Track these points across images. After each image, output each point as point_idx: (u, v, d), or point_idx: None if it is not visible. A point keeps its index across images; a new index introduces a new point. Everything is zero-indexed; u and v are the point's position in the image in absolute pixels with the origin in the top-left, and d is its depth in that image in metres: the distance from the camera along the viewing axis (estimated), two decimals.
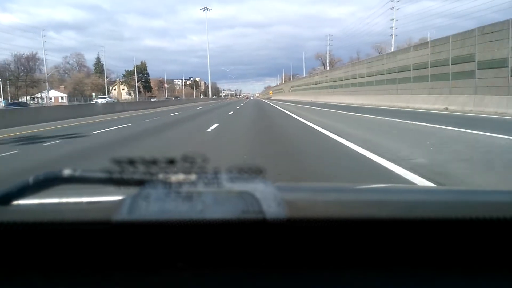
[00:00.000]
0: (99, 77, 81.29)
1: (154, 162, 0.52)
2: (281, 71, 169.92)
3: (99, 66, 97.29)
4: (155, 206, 0.49)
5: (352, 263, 0.54)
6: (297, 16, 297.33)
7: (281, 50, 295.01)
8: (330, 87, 41.96)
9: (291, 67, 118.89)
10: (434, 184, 3.47)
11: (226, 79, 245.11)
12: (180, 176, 0.51)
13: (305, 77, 68.14)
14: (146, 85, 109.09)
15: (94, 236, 0.53)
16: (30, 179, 0.54)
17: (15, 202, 0.56)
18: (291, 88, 77.67)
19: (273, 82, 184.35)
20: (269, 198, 0.51)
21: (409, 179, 3.71)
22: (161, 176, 0.51)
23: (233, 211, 0.49)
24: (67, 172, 0.53)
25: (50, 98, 75.47)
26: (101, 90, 79.88)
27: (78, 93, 75.18)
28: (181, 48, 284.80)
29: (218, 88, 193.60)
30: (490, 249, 0.55)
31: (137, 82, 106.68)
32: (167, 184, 0.51)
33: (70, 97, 71.54)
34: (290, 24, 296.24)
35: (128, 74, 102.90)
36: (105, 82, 74.87)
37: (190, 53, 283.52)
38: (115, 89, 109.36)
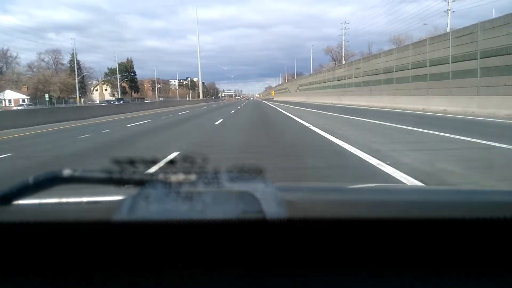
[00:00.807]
0: (69, 74, 68.49)
1: (154, 162, 0.52)
2: (281, 71, 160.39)
3: (74, 63, 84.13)
4: (155, 206, 0.49)
5: (352, 263, 0.54)
6: (298, 16, 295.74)
7: (281, 51, 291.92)
8: (366, 83, 28.20)
9: (295, 64, 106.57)
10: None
11: (226, 79, 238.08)
12: (180, 176, 0.51)
13: (319, 72, 51.77)
14: (133, 85, 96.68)
15: (94, 236, 0.53)
16: (30, 179, 0.54)
17: (15, 202, 0.56)
18: (299, 87, 63.29)
19: (274, 82, 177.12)
20: (269, 198, 0.51)
21: None
22: (161, 176, 0.51)
23: (233, 211, 0.49)
24: (67, 172, 0.53)
25: (10, 101, 62.08)
26: (72, 91, 66.88)
27: (43, 94, 62.19)
28: (181, 48, 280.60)
29: (217, 89, 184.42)
30: (489, 249, 0.55)
31: (122, 81, 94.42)
32: (167, 184, 0.51)
33: (32, 99, 59.01)
34: (291, 24, 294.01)
35: (111, 73, 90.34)
36: (76, 80, 62.04)
37: (191, 54, 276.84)
38: (97, 90, 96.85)
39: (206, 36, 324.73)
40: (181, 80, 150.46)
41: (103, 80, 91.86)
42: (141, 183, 0.51)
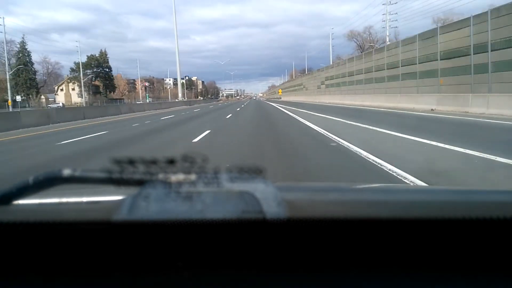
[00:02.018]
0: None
1: (154, 162, 0.51)
2: (284, 71, 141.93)
3: (24, 55, 64.38)
4: (155, 206, 0.49)
5: (352, 263, 0.54)
6: (300, 15, 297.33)
7: (284, 50, 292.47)
8: None
9: (306, 59, 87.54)
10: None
11: (229, 79, 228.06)
12: (180, 176, 0.51)
13: (377, 51, 28.28)
14: (108, 84, 77.41)
15: (94, 236, 0.53)
16: (30, 179, 0.54)
17: (15, 202, 0.56)
18: (325, 82, 41.86)
19: (277, 81, 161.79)
20: (269, 198, 0.50)
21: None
22: (161, 176, 0.51)
23: (233, 211, 0.48)
24: (67, 172, 0.52)
25: None
26: (3, 91, 47.76)
27: None
28: (184, 48, 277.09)
29: (217, 88, 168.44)
30: (489, 249, 0.55)
31: (94, 78, 74.66)
32: (167, 184, 0.50)
33: None
34: (293, 23, 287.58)
35: (80, 68, 70.88)
36: (7, 77, 43.07)
37: (194, 54, 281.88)
38: (62, 90, 77.61)
39: (208, 35, 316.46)
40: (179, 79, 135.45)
41: (69, 78, 72.86)
42: (141, 183, 0.51)
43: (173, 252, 0.53)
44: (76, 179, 0.53)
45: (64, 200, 0.70)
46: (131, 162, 0.51)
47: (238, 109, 26.92)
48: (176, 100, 63.74)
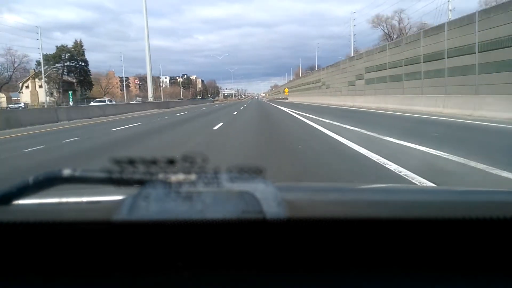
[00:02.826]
0: None
1: (154, 162, 0.51)
2: (287, 70, 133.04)
3: None
4: (155, 206, 0.49)
5: (352, 264, 0.54)
6: (303, 15, 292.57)
7: (286, 50, 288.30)
8: None
9: (316, 54, 74.84)
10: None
11: (231, 79, 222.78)
12: (180, 176, 0.51)
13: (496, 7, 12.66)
14: (83, 80, 64.74)
15: (94, 236, 0.53)
16: (30, 179, 0.54)
17: (15, 202, 0.56)
18: (365, 75, 25.09)
19: (280, 81, 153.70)
20: (269, 198, 0.51)
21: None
22: (161, 176, 0.51)
23: (233, 211, 0.49)
24: (67, 172, 0.53)
25: None
26: None
27: None
28: (186, 47, 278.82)
29: (217, 87, 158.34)
30: (490, 249, 0.55)
31: (67, 73, 61.70)
32: (167, 184, 0.51)
33: None
34: (296, 23, 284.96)
35: (49, 61, 58.28)
36: None
37: (196, 53, 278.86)
38: (27, 87, 64.87)
39: (211, 35, 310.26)
40: (176, 77, 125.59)
41: (35, 73, 60.06)
42: (141, 183, 0.51)
43: (173, 252, 0.53)
44: (76, 179, 0.53)
45: (64, 200, 0.70)
46: (131, 162, 0.51)
47: (220, 124, 12.25)
48: (136, 100, 50.98)
